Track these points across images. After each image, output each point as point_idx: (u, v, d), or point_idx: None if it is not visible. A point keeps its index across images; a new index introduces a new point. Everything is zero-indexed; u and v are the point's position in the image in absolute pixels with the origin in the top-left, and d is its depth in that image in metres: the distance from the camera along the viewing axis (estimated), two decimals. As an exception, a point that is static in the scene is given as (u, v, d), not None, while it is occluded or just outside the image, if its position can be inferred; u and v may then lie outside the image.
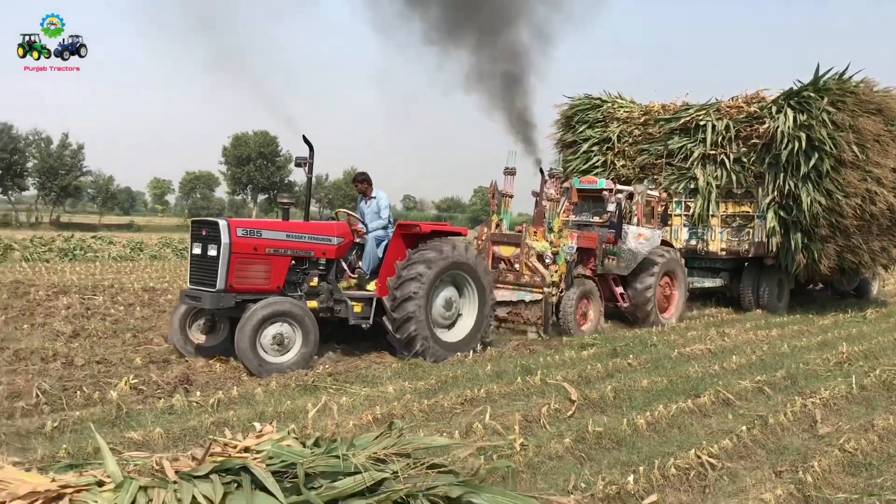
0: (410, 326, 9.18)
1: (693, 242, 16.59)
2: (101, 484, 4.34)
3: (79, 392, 7.03)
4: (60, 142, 69.86)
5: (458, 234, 10.31)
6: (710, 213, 16.25)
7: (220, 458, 4.40)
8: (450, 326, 9.99)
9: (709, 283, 16.66)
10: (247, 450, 4.68)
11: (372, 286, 9.61)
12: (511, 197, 13.13)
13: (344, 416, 6.49)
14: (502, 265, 12.33)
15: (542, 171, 13.81)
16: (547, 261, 11.91)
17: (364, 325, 9.48)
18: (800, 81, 15.64)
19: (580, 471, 5.35)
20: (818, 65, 15.33)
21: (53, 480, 4.40)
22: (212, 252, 8.51)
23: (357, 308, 9.34)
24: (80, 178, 71.19)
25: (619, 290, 13.51)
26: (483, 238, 12.72)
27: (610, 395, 7.61)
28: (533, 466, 5.18)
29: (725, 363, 9.66)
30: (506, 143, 15.73)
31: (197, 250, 8.80)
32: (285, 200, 9.81)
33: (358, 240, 10.00)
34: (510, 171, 13.02)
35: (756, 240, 15.97)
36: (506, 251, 12.27)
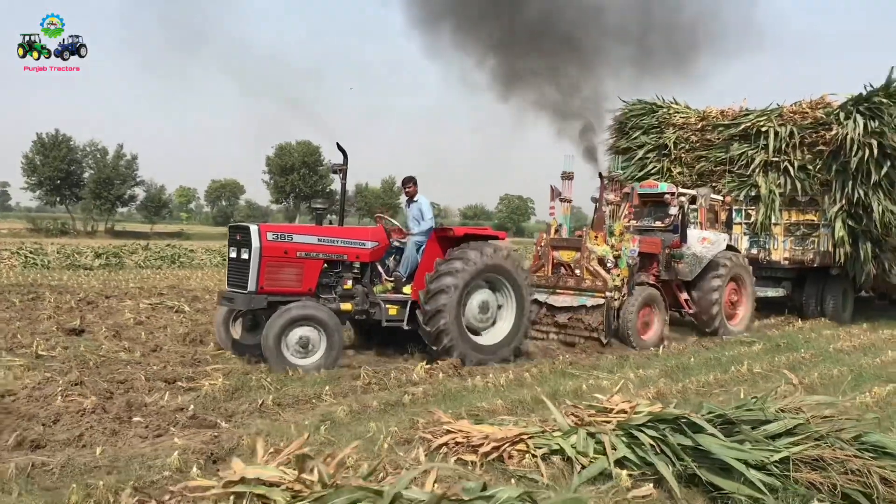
0: (440, 320, 9.04)
1: (754, 251, 15.85)
2: (543, 432, 5.69)
3: (392, 373, 8.28)
4: (115, 153, 71.89)
5: (496, 237, 10.10)
6: (773, 221, 15.62)
7: (635, 415, 5.73)
8: (485, 330, 9.80)
9: (771, 292, 15.88)
10: (623, 412, 6.03)
11: (408, 289, 9.55)
12: (570, 202, 12.79)
13: (627, 393, 7.73)
14: (563, 270, 11.86)
15: (600, 175, 13.31)
16: (608, 265, 11.43)
17: (406, 326, 9.42)
18: (871, 85, 14.89)
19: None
20: (892, 69, 14.60)
21: (500, 429, 5.77)
22: (245, 255, 8.69)
23: (392, 311, 9.33)
24: (133, 187, 73.52)
25: (684, 296, 12.92)
26: (542, 244, 12.25)
27: (817, 381, 8.66)
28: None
29: (882, 357, 10.51)
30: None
31: (233, 254, 9.01)
32: (319, 206, 9.94)
33: (396, 243, 10.04)
34: (568, 176, 12.66)
35: (821, 249, 15.24)
36: (566, 256, 11.84)
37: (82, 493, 4.37)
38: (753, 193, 15.97)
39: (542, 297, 11.49)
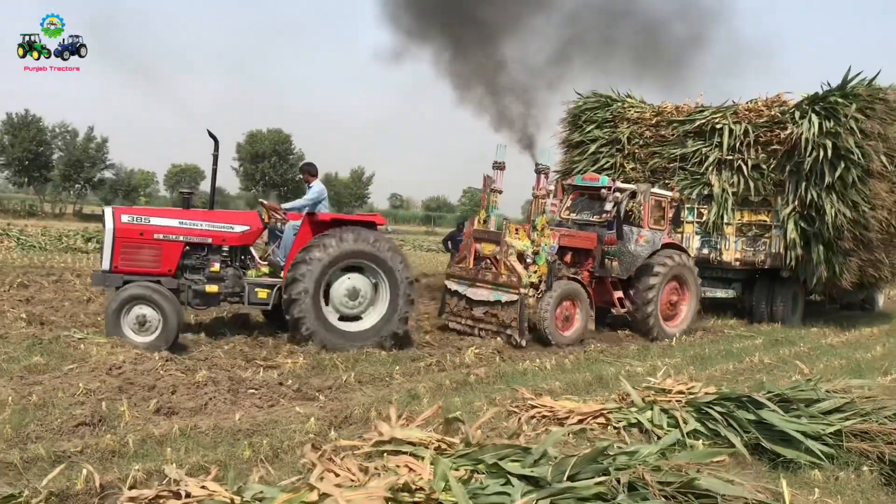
0: (295, 308, 8.96)
1: (705, 251, 15.22)
2: (620, 408, 6.46)
3: (447, 356, 8.87)
4: (86, 135, 70.96)
5: (371, 224, 9.76)
6: (725, 221, 15.00)
7: (696, 395, 6.53)
8: (358, 317, 9.56)
9: (721, 293, 15.36)
10: (680, 392, 6.84)
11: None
12: (500, 193, 12.07)
13: (664, 378, 8.47)
14: (485, 263, 11.31)
15: (536, 169, 12.11)
16: (528, 260, 10.89)
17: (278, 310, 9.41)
18: (828, 85, 14.43)
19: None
20: (849, 68, 14.29)
21: (583, 404, 6.52)
22: (104, 236, 8.84)
23: (262, 294, 9.31)
24: (103, 170, 72.72)
25: (619, 294, 12.12)
26: (468, 235, 11.76)
27: (824, 371, 9.12)
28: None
29: (871, 352, 11.30)
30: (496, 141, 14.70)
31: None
32: (185, 190, 10.07)
33: (279, 226, 10.02)
34: (499, 166, 11.97)
35: (773, 251, 14.67)
36: (487, 248, 11.31)
37: (249, 450, 5.02)
38: (706, 192, 15.35)
39: (461, 289, 11.20)
